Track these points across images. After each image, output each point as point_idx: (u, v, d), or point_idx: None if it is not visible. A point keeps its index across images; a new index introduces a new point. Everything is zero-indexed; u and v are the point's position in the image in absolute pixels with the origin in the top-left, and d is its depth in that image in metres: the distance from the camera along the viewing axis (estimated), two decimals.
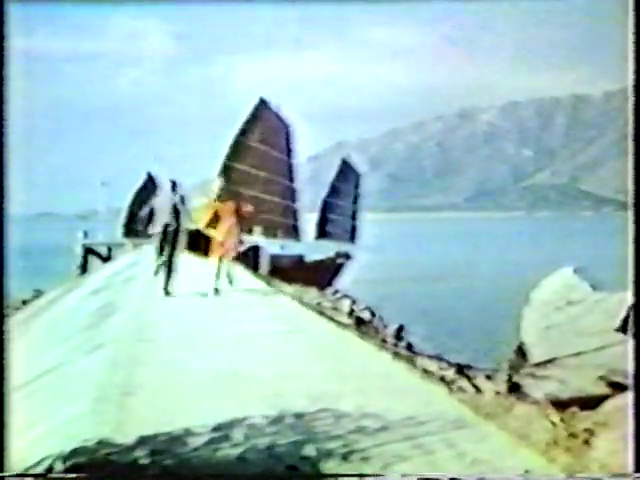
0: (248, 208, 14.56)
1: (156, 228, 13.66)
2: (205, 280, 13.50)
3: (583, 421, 5.40)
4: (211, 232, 13.56)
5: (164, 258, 13.30)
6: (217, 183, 14.35)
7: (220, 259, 13.46)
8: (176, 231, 13.38)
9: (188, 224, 13.60)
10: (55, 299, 18.59)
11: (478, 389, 6.60)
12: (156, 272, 13.56)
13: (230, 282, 13.72)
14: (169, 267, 13.26)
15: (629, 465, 4.63)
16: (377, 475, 4.26)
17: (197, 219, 13.73)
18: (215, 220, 13.62)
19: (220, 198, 14.04)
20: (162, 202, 13.95)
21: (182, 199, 13.66)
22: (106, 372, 7.17)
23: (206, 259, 13.65)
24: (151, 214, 15.06)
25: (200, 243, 13.56)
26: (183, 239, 13.45)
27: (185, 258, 13.83)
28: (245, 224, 14.64)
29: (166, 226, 13.38)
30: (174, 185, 13.78)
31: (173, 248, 13.32)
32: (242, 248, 15.60)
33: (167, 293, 13.12)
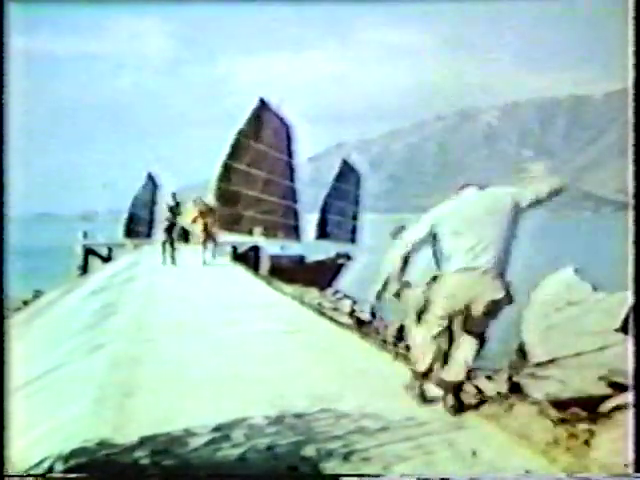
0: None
1: (161, 227, 21.45)
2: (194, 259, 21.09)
3: (583, 421, 5.39)
4: (194, 227, 21.71)
5: (169, 247, 20.74)
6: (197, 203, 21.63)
7: (204, 245, 20.99)
8: (175, 227, 21.11)
9: (181, 222, 21.48)
10: (55, 299, 18.59)
11: (478, 389, 6.59)
12: (164, 261, 20.63)
13: (204, 260, 20.65)
14: (172, 250, 20.76)
15: (629, 465, 4.63)
16: (377, 475, 4.26)
17: (185, 218, 21.38)
18: (195, 220, 21.20)
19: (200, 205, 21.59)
20: (164, 208, 21.54)
21: (177, 205, 21.22)
22: (106, 372, 7.17)
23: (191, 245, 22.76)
24: (151, 218, 24.48)
25: (185, 235, 22.42)
26: (179, 232, 21.62)
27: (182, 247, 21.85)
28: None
29: (169, 225, 20.94)
30: (174, 195, 21.58)
31: (173, 239, 20.93)
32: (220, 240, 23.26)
33: (174, 264, 20.41)
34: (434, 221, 5.67)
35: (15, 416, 4.89)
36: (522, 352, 8.46)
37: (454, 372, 5.65)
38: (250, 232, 31.99)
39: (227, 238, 30.08)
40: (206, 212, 21.35)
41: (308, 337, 9.04)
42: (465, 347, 5.68)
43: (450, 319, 5.63)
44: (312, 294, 18.87)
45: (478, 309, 5.51)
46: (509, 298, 5.64)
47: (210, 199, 29.59)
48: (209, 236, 21.31)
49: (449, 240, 5.57)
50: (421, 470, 4.29)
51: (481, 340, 5.72)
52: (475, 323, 5.63)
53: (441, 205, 5.80)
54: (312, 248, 34.97)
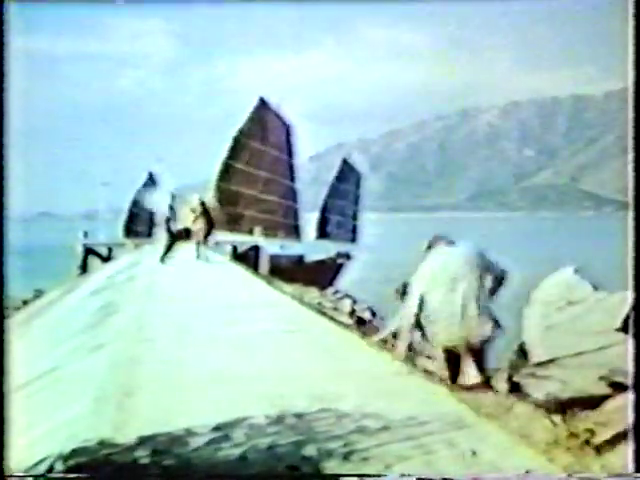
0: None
1: (160, 227, 21.98)
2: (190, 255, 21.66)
3: (584, 421, 5.39)
4: (194, 226, 21.96)
5: (168, 246, 21.24)
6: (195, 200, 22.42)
7: (197, 243, 21.72)
8: (172, 227, 21.67)
9: (178, 222, 21.96)
10: (55, 299, 18.59)
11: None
12: (162, 259, 20.87)
13: (201, 258, 21.35)
14: (170, 248, 21.31)
15: (629, 465, 4.63)
16: (378, 475, 4.26)
17: (183, 218, 22.01)
18: (194, 219, 21.86)
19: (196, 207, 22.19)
20: (163, 208, 22.06)
21: (174, 208, 22.02)
22: (107, 372, 7.17)
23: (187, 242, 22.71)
24: (151, 217, 23.86)
25: (187, 233, 22.21)
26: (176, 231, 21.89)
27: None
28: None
29: (167, 225, 21.48)
30: (173, 197, 22.48)
31: (172, 237, 21.49)
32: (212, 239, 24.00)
33: (174, 263, 20.78)
34: (421, 288, 6.91)
35: (15, 416, 4.89)
36: (522, 352, 8.45)
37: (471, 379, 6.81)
38: (250, 232, 31.97)
39: (227, 238, 30.08)
40: (204, 212, 22.27)
41: (308, 337, 9.04)
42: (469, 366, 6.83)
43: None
44: (312, 294, 18.88)
45: (473, 344, 6.76)
46: (498, 328, 6.88)
47: (210, 199, 29.66)
48: (207, 235, 22.30)
49: (436, 296, 6.82)
50: (421, 470, 4.29)
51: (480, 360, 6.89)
52: (475, 352, 6.80)
53: (421, 269, 7.02)
54: (312, 248, 34.97)
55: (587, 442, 4.87)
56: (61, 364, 8.45)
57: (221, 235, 28.08)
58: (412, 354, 7.73)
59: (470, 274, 6.86)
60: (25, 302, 20.21)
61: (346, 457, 4.48)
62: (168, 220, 21.95)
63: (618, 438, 4.88)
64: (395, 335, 7.69)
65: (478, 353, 6.79)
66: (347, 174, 38.52)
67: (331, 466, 4.37)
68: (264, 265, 28.78)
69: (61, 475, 4.38)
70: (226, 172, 32.88)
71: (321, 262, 32.87)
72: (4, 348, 4.88)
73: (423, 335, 7.02)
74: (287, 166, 35.38)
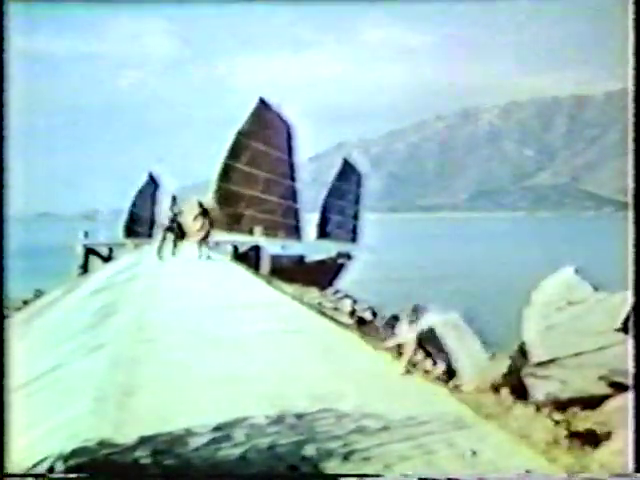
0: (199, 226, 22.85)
1: (161, 226, 22.60)
2: (191, 254, 22.20)
3: (584, 421, 5.39)
4: (192, 225, 22.53)
5: (168, 243, 22.12)
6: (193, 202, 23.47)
7: (199, 243, 22.29)
8: (175, 227, 22.37)
9: (180, 220, 22.56)
10: (56, 299, 18.58)
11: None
12: (159, 255, 21.72)
13: (202, 258, 21.86)
14: (167, 246, 22.18)
15: (629, 465, 4.63)
16: (377, 475, 4.25)
17: (182, 218, 22.60)
18: (193, 219, 22.48)
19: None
20: (165, 210, 22.88)
21: (177, 208, 22.61)
22: (107, 372, 7.16)
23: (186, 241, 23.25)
24: (152, 218, 25.52)
25: (181, 231, 22.67)
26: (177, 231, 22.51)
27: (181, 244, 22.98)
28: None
29: (169, 225, 22.14)
30: (174, 198, 23.00)
31: (174, 236, 22.20)
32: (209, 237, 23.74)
33: (174, 254, 22.00)
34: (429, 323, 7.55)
35: (16, 415, 4.89)
36: (522, 352, 8.46)
37: None
38: (250, 232, 31.98)
39: (228, 237, 30.10)
40: (203, 212, 22.85)
41: (308, 337, 9.03)
42: None
43: None
44: (312, 294, 18.88)
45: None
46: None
47: (210, 199, 29.72)
48: (206, 235, 22.86)
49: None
50: (421, 470, 4.29)
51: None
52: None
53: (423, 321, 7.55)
54: (313, 248, 34.97)
55: (587, 442, 4.87)
56: (61, 364, 8.45)
57: (222, 235, 28.12)
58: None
59: (463, 337, 7.57)
60: (25, 302, 20.22)
61: (346, 457, 4.48)
62: (172, 221, 22.40)
63: (618, 438, 4.88)
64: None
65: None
66: (347, 174, 38.49)
67: (331, 466, 4.37)
68: (265, 265, 28.77)
69: (61, 475, 4.38)
70: (226, 172, 32.89)
71: (321, 262, 32.87)
72: (4, 348, 4.88)
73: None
74: (287, 166, 35.36)
